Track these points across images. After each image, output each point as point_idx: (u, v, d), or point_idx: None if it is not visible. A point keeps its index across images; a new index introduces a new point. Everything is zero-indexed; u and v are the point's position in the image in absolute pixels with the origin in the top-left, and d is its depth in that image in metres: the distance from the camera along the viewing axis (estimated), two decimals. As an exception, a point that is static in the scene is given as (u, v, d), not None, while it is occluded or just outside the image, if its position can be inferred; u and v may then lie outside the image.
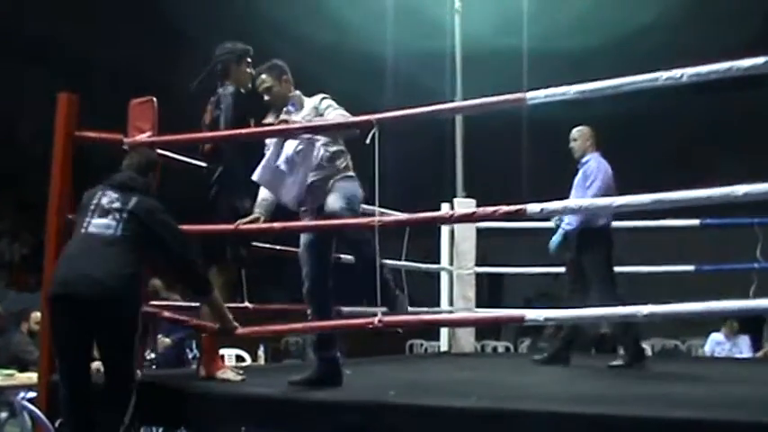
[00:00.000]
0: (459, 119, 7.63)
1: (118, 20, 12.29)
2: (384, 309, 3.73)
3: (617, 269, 6.19)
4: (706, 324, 9.23)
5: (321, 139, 4.05)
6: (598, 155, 5.62)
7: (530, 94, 3.65)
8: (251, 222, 4.11)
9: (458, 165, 7.66)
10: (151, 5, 11.67)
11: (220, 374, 4.20)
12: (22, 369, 6.25)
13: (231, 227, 4.09)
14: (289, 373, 4.08)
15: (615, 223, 6.19)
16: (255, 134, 4.29)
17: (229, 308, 4.20)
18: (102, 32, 12.35)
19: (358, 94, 6.50)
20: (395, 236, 4.13)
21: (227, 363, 5.43)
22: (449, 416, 3.30)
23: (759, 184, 3.17)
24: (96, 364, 3.98)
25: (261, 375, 4.75)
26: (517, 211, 3.60)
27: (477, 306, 7.08)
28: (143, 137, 4.36)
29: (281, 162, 4.06)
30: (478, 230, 7.06)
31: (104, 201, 3.81)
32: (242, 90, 4.47)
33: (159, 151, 4.48)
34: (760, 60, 3.22)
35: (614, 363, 5.34)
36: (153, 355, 6.62)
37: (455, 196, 7.41)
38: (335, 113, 4.07)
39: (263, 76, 4.23)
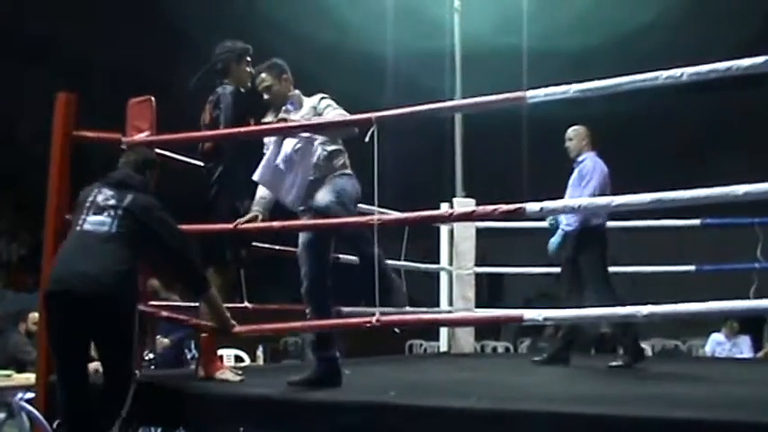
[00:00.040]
0: (458, 118, 7.62)
1: (118, 20, 12.28)
2: (382, 308, 3.73)
3: (618, 269, 6.21)
4: (706, 324, 9.22)
5: (319, 139, 4.06)
6: (594, 154, 5.61)
7: (530, 93, 3.65)
8: (249, 221, 4.11)
9: (457, 164, 7.64)
10: (151, 5, 11.66)
11: (219, 375, 4.19)
12: (20, 370, 6.25)
13: (230, 226, 4.09)
14: (288, 374, 4.06)
15: (616, 223, 6.20)
16: (254, 133, 4.29)
17: (228, 308, 4.19)
18: (102, 32, 12.34)
19: (358, 93, 6.50)
20: (394, 236, 4.11)
21: (225, 363, 5.41)
22: (449, 416, 3.28)
23: (759, 184, 3.17)
24: (94, 365, 3.97)
25: (259, 376, 4.74)
26: (516, 210, 3.59)
27: (477, 306, 7.07)
28: (141, 136, 4.36)
29: (279, 161, 4.06)
30: (478, 230, 7.05)
31: (100, 198, 3.81)
32: (241, 89, 4.47)
33: (158, 151, 4.48)
34: (760, 60, 3.22)
35: (614, 363, 5.33)
36: (151, 356, 6.60)
37: (454, 196, 7.40)
38: (335, 113, 4.07)
39: (263, 75, 4.23)
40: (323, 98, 4.18)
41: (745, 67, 3.25)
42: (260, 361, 8.67)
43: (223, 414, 3.83)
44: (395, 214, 4.39)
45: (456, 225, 6.94)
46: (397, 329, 5.03)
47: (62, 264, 3.74)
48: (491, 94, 3.78)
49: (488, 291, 13.07)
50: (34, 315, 6.50)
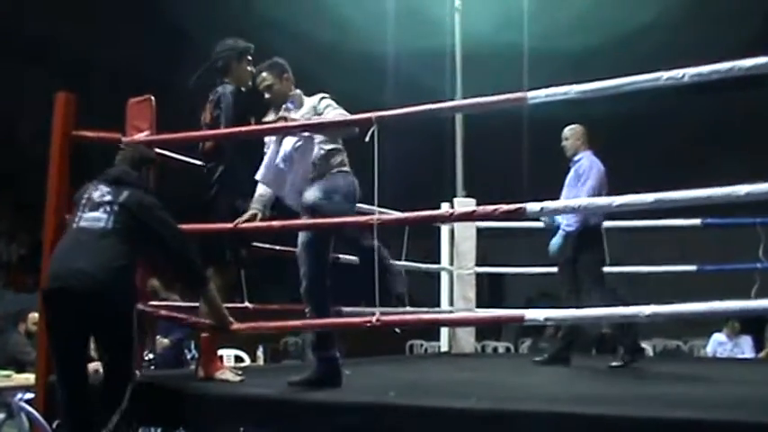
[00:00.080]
0: (459, 118, 7.61)
1: (118, 20, 12.28)
2: (383, 308, 3.72)
3: (619, 269, 6.20)
4: (708, 324, 9.21)
5: (318, 138, 4.05)
6: (590, 153, 5.61)
7: (531, 94, 3.64)
8: (249, 220, 4.10)
9: (458, 164, 7.63)
10: (151, 5, 11.66)
11: (219, 375, 4.18)
12: (20, 370, 6.24)
13: (230, 226, 4.08)
14: (288, 374, 4.06)
15: (617, 223, 6.20)
16: (255, 132, 4.28)
17: (229, 308, 4.18)
18: (102, 32, 12.33)
19: (358, 93, 6.49)
20: (395, 236, 4.11)
21: (225, 363, 5.41)
22: (449, 417, 3.28)
23: (761, 184, 3.16)
24: (94, 365, 3.96)
25: (260, 376, 4.74)
26: (516, 210, 3.58)
27: (478, 306, 7.06)
28: (141, 136, 4.35)
29: (279, 160, 4.06)
30: (479, 230, 7.04)
31: (95, 195, 3.80)
32: (242, 88, 4.46)
33: (158, 150, 4.47)
34: (762, 60, 3.21)
35: (614, 363, 5.32)
36: (151, 356, 6.59)
37: (455, 196, 7.39)
38: (335, 113, 4.07)
39: (264, 74, 4.23)
40: (323, 98, 4.18)
41: (747, 68, 3.25)
42: (260, 361, 8.67)
43: (223, 414, 3.82)
44: (395, 214, 4.38)
45: (456, 225, 6.94)
46: (397, 329, 5.02)
47: (58, 261, 3.74)
48: (491, 93, 3.77)
49: (489, 291, 13.05)
50: (34, 315, 6.49)
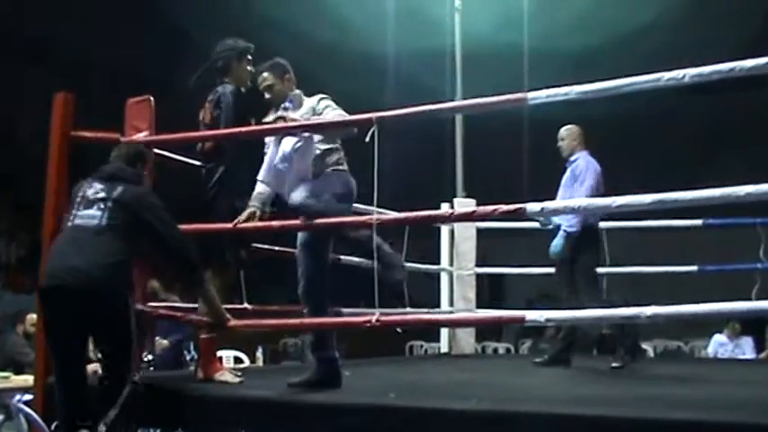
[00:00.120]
0: (459, 119, 7.60)
1: (117, 20, 12.26)
2: (382, 310, 3.71)
3: (620, 270, 6.19)
4: (709, 325, 9.20)
5: (316, 138, 4.04)
6: (587, 153, 5.60)
7: (531, 94, 3.64)
8: (248, 218, 4.08)
9: (458, 165, 7.63)
10: (151, 5, 11.65)
11: (218, 376, 4.17)
12: (18, 371, 6.24)
13: (229, 225, 4.07)
14: (287, 375, 4.05)
15: (618, 224, 6.19)
16: (254, 133, 4.27)
17: (228, 309, 4.17)
18: (102, 32, 12.31)
19: (358, 93, 6.49)
20: (395, 237, 4.10)
21: (225, 364, 5.39)
22: (449, 418, 3.27)
23: (761, 185, 3.15)
24: (93, 366, 3.95)
25: (259, 377, 4.73)
26: (516, 210, 3.57)
27: (478, 307, 7.05)
28: (140, 136, 4.34)
29: (278, 160, 4.05)
30: (478, 231, 7.03)
31: (90, 192, 3.79)
32: (242, 89, 4.45)
33: (157, 151, 4.46)
34: (763, 60, 3.20)
35: (615, 364, 5.31)
36: (150, 357, 6.58)
37: (455, 196, 7.38)
38: (334, 113, 4.06)
39: (265, 74, 4.22)
40: (322, 98, 4.17)
41: (748, 68, 3.24)
42: (259, 362, 8.65)
43: (222, 416, 3.81)
44: (394, 214, 4.37)
45: (456, 225, 6.93)
46: (398, 329, 5.01)
47: (54, 259, 3.73)
48: (491, 94, 3.76)
49: (489, 291, 13.04)
50: (32, 316, 6.48)
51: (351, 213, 4.11)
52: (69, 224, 3.78)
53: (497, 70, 8.74)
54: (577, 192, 5.41)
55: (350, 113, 4.03)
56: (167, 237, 3.81)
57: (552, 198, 5.38)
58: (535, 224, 5.83)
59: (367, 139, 3.75)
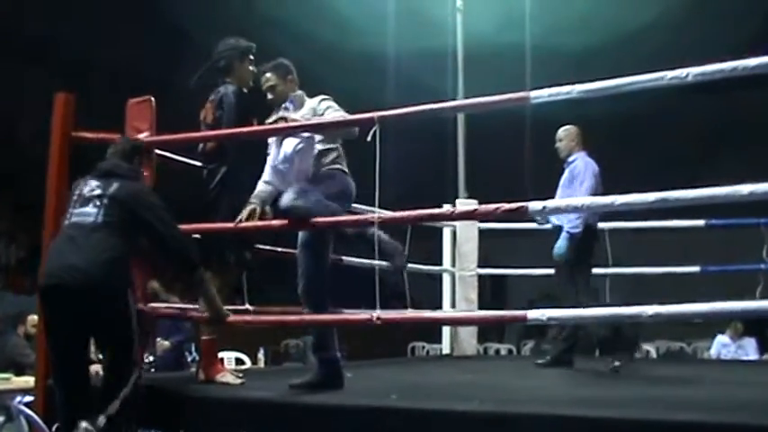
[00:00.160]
0: (461, 118, 7.59)
1: (118, 20, 12.24)
2: (383, 310, 3.70)
3: (622, 270, 6.18)
4: (712, 326, 9.19)
5: (316, 138, 4.03)
6: (585, 154, 5.60)
7: (533, 94, 3.62)
8: (248, 215, 4.05)
9: (460, 165, 7.61)
10: (151, 5, 11.63)
11: (220, 378, 4.16)
12: (19, 373, 6.23)
13: (231, 225, 4.05)
14: (289, 377, 4.05)
15: (619, 224, 6.18)
16: (256, 133, 4.26)
17: (229, 310, 4.15)
18: (102, 32, 12.30)
19: (359, 93, 6.47)
20: (397, 238, 4.08)
21: (226, 366, 5.38)
22: (451, 420, 3.26)
23: (764, 184, 3.13)
24: (94, 367, 3.94)
25: (260, 378, 4.73)
26: (518, 209, 3.56)
27: (480, 308, 7.03)
28: (141, 137, 4.32)
29: (279, 161, 4.04)
30: (480, 231, 7.02)
31: (86, 190, 3.79)
32: (244, 89, 4.43)
33: (158, 151, 4.44)
34: (765, 59, 3.18)
35: (615, 364, 5.30)
36: (152, 359, 6.58)
37: (457, 197, 7.36)
38: (335, 114, 4.04)
39: (268, 75, 4.22)
40: (323, 99, 4.16)
41: (751, 67, 3.22)
42: (261, 364, 8.65)
43: (224, 417, 3.80)
44: (396, 213, 4.35)
45: (458, 226, 6.91)
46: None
47: (52, 258, 3.73)
48: (493, 93, 3.75)
49: (491, 292, 13.03)
50: (33, 318, 6.47)
51: (346, 212, 4.09)
52: (66, 222, 3.78)
53: (499, 70, 8.71)
54: (576, 192, 5.41)
55: (351, 113, 4.02)
56: (167, 237, 3.79)
57: (554, 198, 5.37)
58: (536, 225, 5.83)
59: (368, 139, 3.73)
